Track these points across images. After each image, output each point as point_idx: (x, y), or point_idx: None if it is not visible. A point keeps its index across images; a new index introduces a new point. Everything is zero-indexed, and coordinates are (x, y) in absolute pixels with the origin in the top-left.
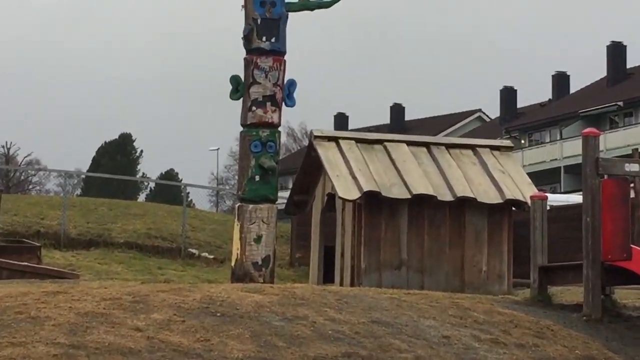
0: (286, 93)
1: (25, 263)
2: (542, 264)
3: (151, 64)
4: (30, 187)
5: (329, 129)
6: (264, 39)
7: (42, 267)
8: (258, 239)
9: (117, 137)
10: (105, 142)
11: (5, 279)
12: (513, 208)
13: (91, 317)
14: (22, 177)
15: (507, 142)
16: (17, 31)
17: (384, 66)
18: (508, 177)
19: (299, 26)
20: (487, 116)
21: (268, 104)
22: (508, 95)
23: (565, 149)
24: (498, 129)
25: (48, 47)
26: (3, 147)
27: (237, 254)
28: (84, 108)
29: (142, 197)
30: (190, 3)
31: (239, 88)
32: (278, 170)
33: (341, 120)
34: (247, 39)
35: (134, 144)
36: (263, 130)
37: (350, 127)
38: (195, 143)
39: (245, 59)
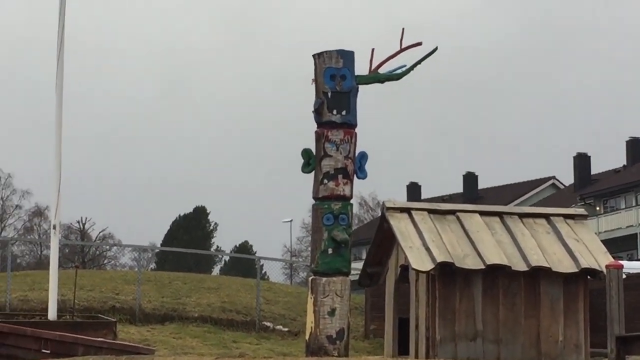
0: (357, 166)
1: (101, 339)
2: (620, 333)
3: (226, 137)
4: (105, 261)
5: (401, 198)
6: (334, 112)
7: (118, 342)
8: (332, 312)
9: (191, 210)
10: (180, 216)
11: (82, 355)
12: (588, 277)
13: None
14: (97, 253)
15: (581, 211)
16: None
17: (457, 134)
18: (583, 245)
19: (372, 96)
20: (562, 183)
21: (340, 176)
22: (582, 161)
23: None
24: (572, 196)
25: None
26: (78, 222)
27: (312, 327)
28: (157, 182)
29: (216, 270)
30: (263, 79)
31: (310, 161)
32: (351, 242)
33: (414, 190)
34: (317, 112)
35: (209, 217)
36: (335, 203)
37: (423, 197)
38: (268, 215)
39: (316, 132)
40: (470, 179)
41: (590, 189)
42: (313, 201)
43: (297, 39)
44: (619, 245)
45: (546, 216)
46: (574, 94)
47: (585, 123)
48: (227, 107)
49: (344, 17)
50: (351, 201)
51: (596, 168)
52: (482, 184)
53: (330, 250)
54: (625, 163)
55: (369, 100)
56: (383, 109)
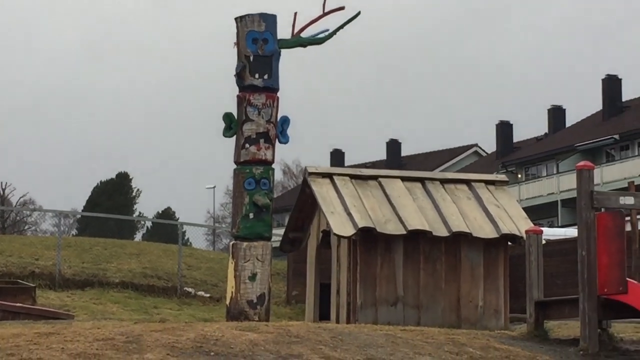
0: (280, 130)
1: (20, 304)
2: (539, 298)
3: (148, 102)
4: (26, 227)
5: (325, 165)
6: (256, 76)
7: (37, 308)
8: (253, 277)
9: (114, 176)
10: (102, 182)
11: (0, 320)
12: (509, 243)
13: (83, 358)
14: (18, 218)
15: (502, 177)
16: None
17: (380, 101)
18: (503, 211)
19: (294, 61)
20: (484, 151)
21: (261, 141)
22: (504, 129)
23: (562, 183)
24: (494, 163)
25: None
26: None
27: (232, 292)
28: (79, 148)
29: (139, 237)
30: (188, 37)
31: (232, 126)
32: (272, 207)
33: (337, 157)
34: (239, 76)
35: (131, 183)
36: (256, 168)
37: (346, 164)
38: (191, 181)
39: (238, 96)
40: (393, 146)
41: (512, 157)
42: (235, 166)
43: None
44: (540, 213)
45: (467, 182)
46: (498, 61)
47: (508, 91)
48: (151, 71)
49: None
50: (273, 166)
51: (518, 136)
52: (405, 151)
53: (251, 215)
54: (547, 131)
55: (292, 65)
56: (307, 73)
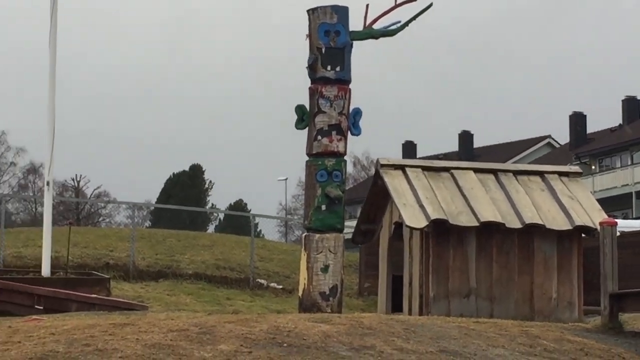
0: (352, 122)
1: (95, 295)
2: (613, 290)
3: (221, 93)
4: (100, 219)
5: (396, 157)
6: (328, 67)
7: (111, 299)
8: (325, 269)
9: (187, 168)
10: (174, 174)
11: (75, 311)
12: (582, 234)
13: (158, 349)
14: (92, 210)
15: (575, 168)
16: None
17: (452, 92)
18: (577, 203)
19: (364, 53)
20: (557, 142)
21: (333, 132)
22: (578, 120)
23: (637, 174)
24: (568, 155)
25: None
26: (73, 180)
27: (305, 283)
28: (152, 140)
29: (211, 228)
30: (261, 29)
31: (304, 117)
32: (344, 199)
33: (409, 149)
34: (311, 68)
35: (204, 175)
36: (329, 160)
37: (418, 155)
38: (264, 173)
39: (310, 88)
40: (465, 137)
41: (585, 148)
42: (307, 158)
43: None
44: (614, 204)
45: (540, 174)
46: (571, 53)
47: (582, 82)
48: (223, 65)
49: None
50: (345, 158)
51: (592, 127)
52: (477, 143)
53: (323, 207)
54: (620, 122)
55: (364, 57)
56: (378, 65)
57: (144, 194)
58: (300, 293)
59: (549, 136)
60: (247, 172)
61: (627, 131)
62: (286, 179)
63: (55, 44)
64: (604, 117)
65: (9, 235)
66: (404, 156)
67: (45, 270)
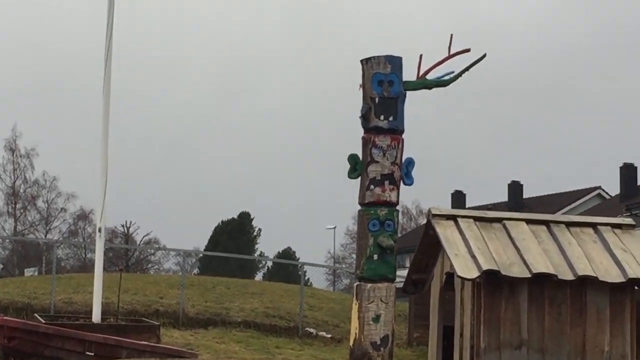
0: (404, 172)
1: (145, 342)
2: None
3: (268, 144)
4: (149, 266)
5: (445, 207)
6: (381, 117)
7: (161, 346)
8: (377, 319)
9: (236, 216)
10: (223, 221)
11: (125, 358)
12: (636, 287)
13: None
14: (142, 257)
15: (628, 220)
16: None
17: (501, 142)
18: (630, 255)
19: (416, 104)
20: (607, 193)
21: (386, 182)
22: (628, 171)
23: None
24: (618, 206)
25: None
26: (123, 226)
27: (356, 333)
28: (202, 187)
29: (259, 276)
30: (317, 78)
31: (356, 167)
32: (396, 249)
33: (458, 198)
34: (365, 117)
35: (252, 222)
36: (381, 209)
37: (467, 205)
38: (312, 222)
39: (363, 137)
40: (515, 187)
41: (636, 199)
42: (357, 207)
43: (348, 52)
44: None
45: (593, 225)
46: (623, 101)
47: (633, 132)
48: (272, 114)
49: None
50: (397, 208)
51: None
52: (527, 193)
53: (375, 257)
54: None
55: (414, 106)
56: (427, 113)
57: (192, 241)
58: (351, 343)
59: (599, 187)
60: (295, 220)
61: None
62: (334, 228)
63: (109, 90)
64: None
65: (60, 281)
66: (453, 206)
67: (96, 317)
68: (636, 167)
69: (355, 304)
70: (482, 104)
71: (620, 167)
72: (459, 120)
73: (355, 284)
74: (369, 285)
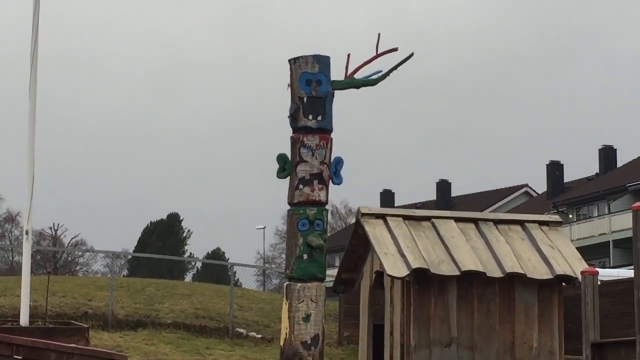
0: (333, 171)
1: (73, 345)
2: (595, 340)
3: (199, 141)
4: (78, 268)
5: (375, 206)
6: (310, 117)
7: (90, 348)
8: (307, 318)
9: (165, 217)
10: (152, 222)
11: None
12: (563, 284)
13: None
14: (70, 259)
15: (555, 217)
16: None
17: (429, 141)
18: (557, 252)
19: (345, 102)
20: (534, 191)
21: (315, 182)
22: (555, 169)
23: (614, 223)
24: (545, 203)
25: None
26: (50, 228)
27: (286, 333)
28: (129, 189)
29: (189, 277)
30: (244, 79)
31: (285, 167)
32: (326, 248)
33: (387, 197)
34: (293, 117)
35: (182, 224)
36: (310, 209)
37: (396, 204)
38: (241, 222)
39: (291, 137)
40: (443, 186)
41: (563, 197)
42: (287, 207)
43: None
44: (591, 253)
45: (521, 222)
46: (548, 101)
47: (558, 131)
48: (202, 110)
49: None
50: (327, 207)
51: (569, 176)
52: (455, 192)
53: (305, 256)
54: (597, 171)
55: (342, 105)
56: (356, 112)
57: (121, 242)
58: (281, 342)
59: (527, 185)
60: (224, 220)
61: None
62: (264, 228)
63: (35, 91)
64: (581, 166)
65: None
66: (382, 205)
67: (24, 320)
68: (562, 165)
69: (286, 304)
70: (411, 103)
71: (547, 165)
72: (387, 119)
73: (285, 284)
74: (299, 284)
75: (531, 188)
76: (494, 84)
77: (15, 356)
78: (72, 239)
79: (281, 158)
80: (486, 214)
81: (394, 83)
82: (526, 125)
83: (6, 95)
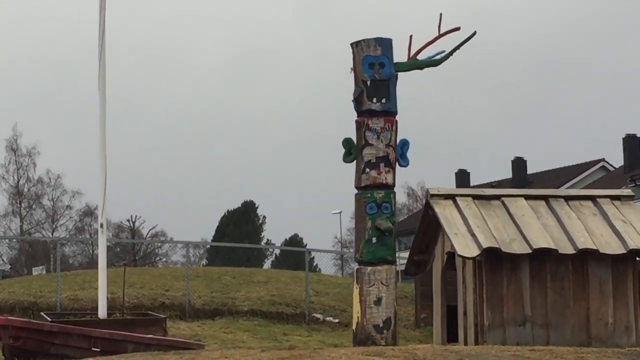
0: (399, 153)
1: (151, 336)
2: None
3: (270, 132)
4: (157, 259)
5: (449, 186)
6: (374, 100)
7: (168, 339)
8: (378, 301)
9: (239, 205)
10: (228, 211)
11: (131, 352)
12: (637, 258)
13: None
14: (149, 250)
15: (627, 191)
16: None
17: (505, 119)
18: (630, 226)
19: (412, 83)
20: (611, 165)
21: (381, 165)
22: (631, 142)
23: None
24: (623, 177)
25: None
26: (128, 220)
27: (358, 317)
28: (205, 179)
29: (267, 264)
30: (312, 67)
31: (351, 151)
32: (394, 231)
33: (462, 177)
34: (357, 101)
35: (257, 211)
36: (378, 192)
37: (472, 184)
38: (318, 207)
39: (356, 121)
40: (519, 164)
41: None
42: (356, 191)
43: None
44: None
45: (592, 198)
46: (623, 75)
47: (635, 104)
48: (273, 100)
49: (386, 6)
50: (394, 189)
51: None
52: (531, 169)
53: (374, 239)
54: None
55: (410, 86)
56: (426, 94)
57: (200, 233)
58: (354, 327)
59: (603, 159)
60: (301, 206)
61: None
62: (340, 212)
63: (105, 86)
64: None
65: (66, 279)
66: (458, 185)
67: (102, 312)
68: (639, 138)
69: (356, 288)
70: (484, 80)
71: (623, 139)
72: (462, 98)
73: (355, 268)
74: (369, 268)
75: (608, 162)
76: (567, 58)
77: (93, 348)
78: (150, 230)
79: (347, 142)
80: (556, 190)
81: (466, 60)
82: (602, 99)
83: (81, 89)
